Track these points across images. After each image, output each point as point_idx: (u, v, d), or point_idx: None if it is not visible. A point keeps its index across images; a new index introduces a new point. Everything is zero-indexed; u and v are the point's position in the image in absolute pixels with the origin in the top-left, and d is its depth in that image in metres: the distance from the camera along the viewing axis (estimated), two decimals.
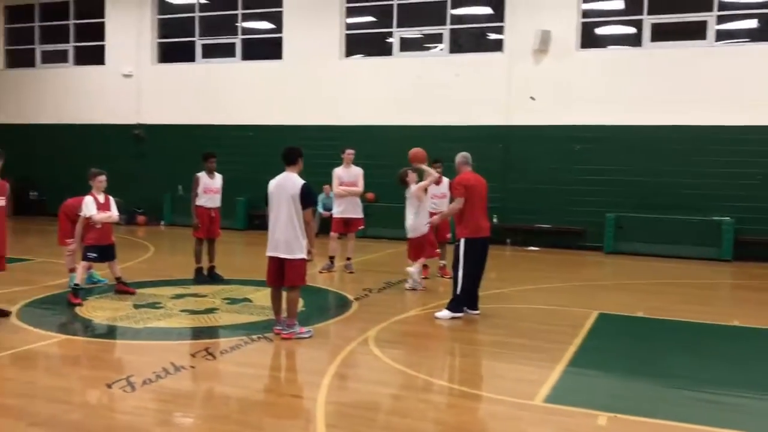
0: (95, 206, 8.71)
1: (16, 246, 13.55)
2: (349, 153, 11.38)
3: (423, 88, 16.41)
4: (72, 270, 9.20)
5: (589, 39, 15.55)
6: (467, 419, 5.18)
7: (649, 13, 14.83)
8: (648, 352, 7.17)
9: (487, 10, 16.61)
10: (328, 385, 5.66)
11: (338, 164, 11.48)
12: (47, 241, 14.59)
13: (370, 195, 16.09)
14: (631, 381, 6.08)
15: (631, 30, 15.39)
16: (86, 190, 8.93)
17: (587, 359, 6.65)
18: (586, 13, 15.41)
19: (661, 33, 14.87)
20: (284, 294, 7.15)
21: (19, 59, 21.35)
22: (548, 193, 15.50)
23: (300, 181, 7.04)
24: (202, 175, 10.32)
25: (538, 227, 15.59)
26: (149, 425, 4.79)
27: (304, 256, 7.05)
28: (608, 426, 4.94)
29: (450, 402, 5.58)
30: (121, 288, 9.11)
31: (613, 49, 15.76)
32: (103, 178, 8.88)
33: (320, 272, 11.09)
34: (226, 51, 18.67)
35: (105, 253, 8.91)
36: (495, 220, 15.71)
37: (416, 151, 9.88)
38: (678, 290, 10.74)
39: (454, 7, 16.48)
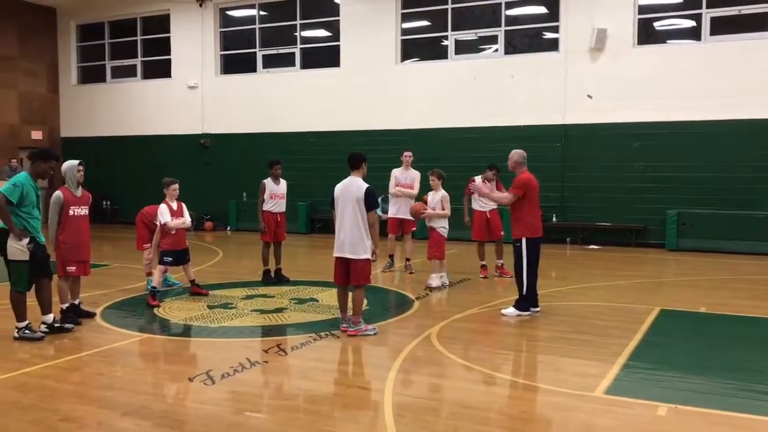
0: (169, 213, 9.22)
1: (95, 252, 14.31)
2: (407, 155, 11.66)
3: (479, 90, 16.58)
4: (149, 274, 9.74)
5: (647, 35, 15.46)
6: (529, 409, 5.38)
7: (708, 6, 14.67)
8: (710, 346, 7.21)
9: (541, 10, 16.67)
10: (393, 379, 5.94)
11: (397, 167, 11.78)
12: (122, 248, 15.38)
13: (426, 197, 16.33)
14: (693, 374, 6.14)
15: (690, 24, 15.23)
16: (156, 198, 9.45)
17: (648, 354, 6.74)
18: (642, 9, 15.33)
19: (721, 26, 14.68)
20: (350, 293, 7.48)
21: (91, 75, 22.44)
22: (607, 191, 15.47)
23: (364, 185, 7.35)
24: (268, 182, 10.73)
25: (597, 225, 15.56)
26: (229, 414, 5.15)
27: (368, 256, 7.36)
28: (668, 416, 5.06)
29: (512, 394, 5.79)
30: (196, 290, 9.59)
31: (671, 44, 15.61)
32: (176, 186, 9.39)
33: (383, 272, 11.39)
34: (286, 61, 19.24)
35: (180, 257, 9.42)
36: (554, 219, 15.80)
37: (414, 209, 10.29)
38: (742, 286, 10.64)
39: (508, 8, 16.61)
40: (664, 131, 14.90)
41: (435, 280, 10.15)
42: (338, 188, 7.48)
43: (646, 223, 15.15)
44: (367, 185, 7.36)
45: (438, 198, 10.24)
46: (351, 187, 7.37)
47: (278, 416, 5.16)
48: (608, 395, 5.51)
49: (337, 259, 7.43)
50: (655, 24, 15.67)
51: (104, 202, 21.24)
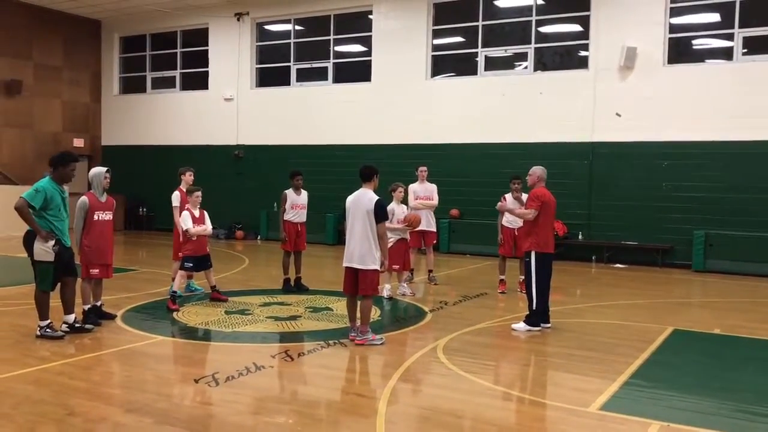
0: (191, 220, 9.50)
1: (126, 257, 14.79)
2: (423, 170, 11.90)
3: (508, 106, 16.65)
4: (174, 278, 10.03)
5: (677, 54, 15.36)
6: (521, 421, 5.45)
7: (741, 26, 14.52)
8: (717, 367, 7.18)
9: (572, 28, 16.69)
10: (392, 387, 6.06)
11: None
12: (154, 254, 15.79)
13: (454, 211, 16.45)
14: (693, 394, 6.13)
15: (722, 44, 15.09)
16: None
17: (651, 372, 6.73)
18: (673, 28, 15.24)
19: (754, 45, 14.53)
20: (359, 302, 7.64)
21: (132, 85, 23.15)
22: (635, 210, 15.35)
23: (374, 197, 7.54)
24: (290, 192, 11.00)
25: (624, 244, 15.43)
26: (228, 415, 5.33)
27: (376, 267, 7.51)
28: None
29: (506, 406, 5.86)
30: (216, 296, 9.86)
31: (702, 64, 15.47)
32: (199, 194, 9.68)
33: (406, 283, 11.40)
34: (319, 74, 19.58)
35: (201, 262, 9.68)
36: (580, 236, 15.73)
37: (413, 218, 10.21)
38: (761, 309, 10.46)
39: (539, 25, 16.68)
40: (694, 151, 14.75)
41: (407, 288, 10.77)
42: (350, 200, 7.68)
43: (673, 243, 14.98)
44: (378, 198, 7.54)
45: (403, 210, 10.57)
46: (362, 199, 7.56)
47: (277, 419, 5.32)
48: (602, 411, 5.54)
49: (346, 269, 7.60)
50: (687, 43, 15.55)
51: (141, 209, 21.80)
